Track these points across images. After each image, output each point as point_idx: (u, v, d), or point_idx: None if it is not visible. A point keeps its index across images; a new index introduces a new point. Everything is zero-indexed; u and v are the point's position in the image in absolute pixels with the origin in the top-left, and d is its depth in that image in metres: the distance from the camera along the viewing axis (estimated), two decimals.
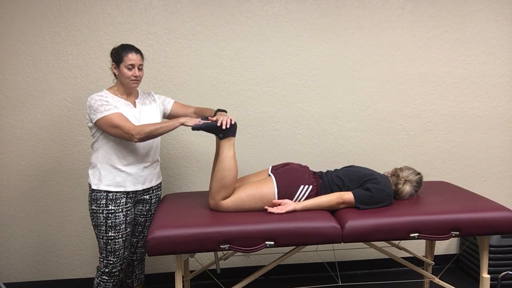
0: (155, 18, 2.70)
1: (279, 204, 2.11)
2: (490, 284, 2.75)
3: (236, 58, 2.79)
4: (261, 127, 2.89)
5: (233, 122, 2.11)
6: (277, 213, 2.06)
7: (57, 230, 2.84)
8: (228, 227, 1.93)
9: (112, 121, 2.06)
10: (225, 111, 2.26)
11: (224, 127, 2.07)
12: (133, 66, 2.12)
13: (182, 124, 2.07)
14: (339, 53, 2.87)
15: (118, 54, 2.13)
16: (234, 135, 2.13)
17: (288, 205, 2.09)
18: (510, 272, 2.64)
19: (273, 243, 1.95)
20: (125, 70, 2.13)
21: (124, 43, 2.15)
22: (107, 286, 2.24)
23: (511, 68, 3.03)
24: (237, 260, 3.02)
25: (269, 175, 2.23)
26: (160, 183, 2.39)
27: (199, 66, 2.78)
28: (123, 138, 2.09)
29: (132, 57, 2.12)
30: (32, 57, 2.65)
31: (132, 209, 2.25)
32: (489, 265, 2.84)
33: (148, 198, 2.32)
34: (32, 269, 2.86)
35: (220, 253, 2.86)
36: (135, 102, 2.24)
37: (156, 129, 2.05)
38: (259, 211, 2.12)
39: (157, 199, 2.37)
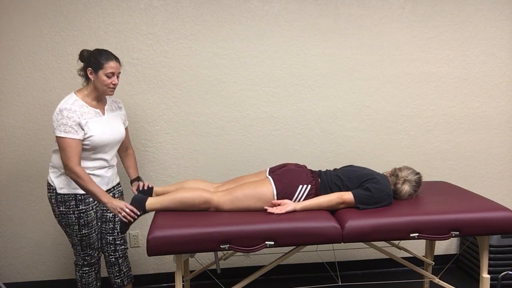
0: (155, 18, 2.70)
1: (279, 204, 2.11)
2: (490, 284, 2.74)
3: (236, 58, 2.79)
4: (261, 127, 2.88)
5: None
6: (277, 213, 2.06)
7: (57, 230, 2.84)
8: (228, 227, 1.93)
9: (64, 146, 2.05)
10: (139, 177, 2.42)
11: (124, 218, 2.09)
12: (113, 74, 2.12)
13: (105, 204, 2.10)
14: (339, 53, 2.87)
15: (97, 60, 2.09)
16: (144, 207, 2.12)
17: (288, 205, 2.09)
18: (510, 272, 2.65)
19: (273, 243, 1.95)
20: (104, 78, 2.10)
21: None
22: (90, 276, 2.31)
23: (511, 68, 3.03)
24: (237, 260, 3.02)
25: (267, 177, 2.22)
26: (119, 181, 2.44)
27: (199, 66, 2.78)
28: (61, 162, 2.11)
29: (113, 65, 2.10)
30: (32, 57, 2.65)
31: (100, 205, 2.30)
32: (489, 265, 2.84)
33: (111, 195, 2.34)
34: (32, 269, 2.86)
35: (220, 253, 2.85)
36: (104, 108, 2.24)
37: (84, 187, 2.08)
38: (259, 211, 2.12)
39: (119, 194, 2.41)
